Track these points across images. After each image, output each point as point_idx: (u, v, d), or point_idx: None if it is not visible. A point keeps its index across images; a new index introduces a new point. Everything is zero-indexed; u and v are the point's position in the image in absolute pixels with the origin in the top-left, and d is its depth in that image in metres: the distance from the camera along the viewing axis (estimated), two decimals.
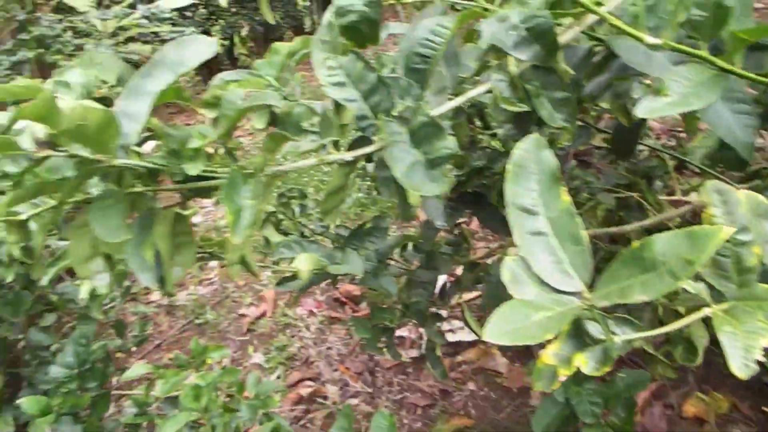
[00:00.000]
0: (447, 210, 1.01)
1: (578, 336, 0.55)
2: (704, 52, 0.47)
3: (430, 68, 0.59)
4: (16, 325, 1.32)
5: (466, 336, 1.74)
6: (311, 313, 1.98)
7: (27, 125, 0.48)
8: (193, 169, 0.49)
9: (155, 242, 0.57)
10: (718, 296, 0.54)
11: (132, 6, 2.88)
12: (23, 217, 0.59)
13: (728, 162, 0.76)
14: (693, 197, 1.53)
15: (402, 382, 1.65)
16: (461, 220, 1.21)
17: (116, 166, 0.50)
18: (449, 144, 0.50)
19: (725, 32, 0.45)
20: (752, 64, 0.65)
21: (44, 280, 0.95)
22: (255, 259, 0.66)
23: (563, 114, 0.55)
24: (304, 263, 0.98)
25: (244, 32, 4.86)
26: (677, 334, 0.99)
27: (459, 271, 1.28)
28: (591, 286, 0.52)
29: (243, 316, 2.04)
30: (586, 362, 0.53)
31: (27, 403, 1.09)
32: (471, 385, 1.60)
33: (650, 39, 0.46)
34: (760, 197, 0.55)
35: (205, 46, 0.51)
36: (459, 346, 1.73)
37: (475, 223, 2.08)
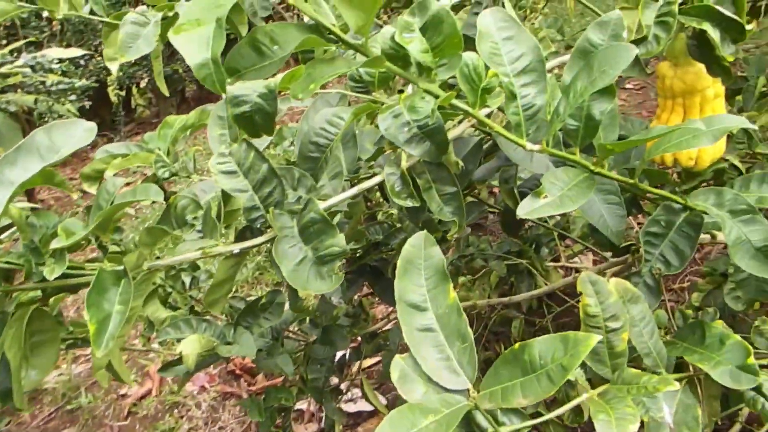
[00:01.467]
0: (344, 284, 0.99)
1: (468, 426, 0.55)
2: (578, 157, 0.50)
3: (324, 157, 0.58)
4: None
5: (366, 406, 1.69)
6: (203, 389, 1.84)
7: None
8: (52, 273, 0.44)
9: (2, 350, 0.49)
10: (593, 375, 0.58)
11: (17, 52, 2.65)
12: None
13: (601, 244, 0.83)
14: (577, 261, 1.64)
15: None
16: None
17: None
18: (339, 242, 0.49)
19: (596, 140, 0.49)
20: (620, 158, 0.71)
21: None
22: (124, 363, 0.59)
23: (451, 207, 0.57)
24: (189, 347, 0.90)
25: (143, 83, 4.66)
26: (564, 398, 1.03)
27: (359, 339, 1.25)
28: (479, 379, 0.52)
29: (124, 396, 1.85)
30: None
31: None
32: None
33: (530, 145, 0.48)
34: (628, 284, 0.60)
35: (82, 132, 0.46)
36: (359, 417, 1.67)
37: None
